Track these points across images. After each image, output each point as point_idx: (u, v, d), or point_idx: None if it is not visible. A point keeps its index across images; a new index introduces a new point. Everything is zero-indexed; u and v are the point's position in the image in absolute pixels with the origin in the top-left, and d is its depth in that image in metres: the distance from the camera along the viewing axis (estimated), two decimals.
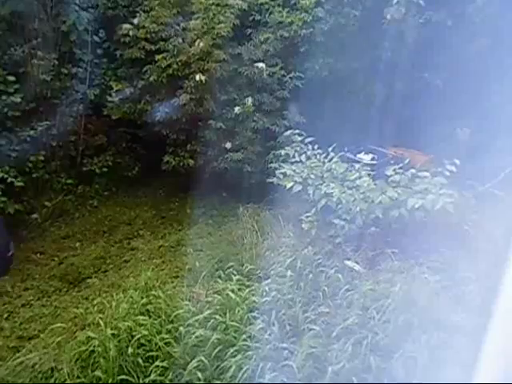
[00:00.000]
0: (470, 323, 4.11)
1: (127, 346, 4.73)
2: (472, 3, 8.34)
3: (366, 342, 4.43)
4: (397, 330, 4.50)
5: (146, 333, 4.82)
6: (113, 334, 4.85)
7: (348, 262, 5.81)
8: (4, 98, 8.59)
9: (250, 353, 4.47)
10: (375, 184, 6.32)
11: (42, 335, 5.79)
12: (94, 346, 4.72)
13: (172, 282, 6.56)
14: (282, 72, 9.38)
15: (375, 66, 9.21)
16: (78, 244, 8.46)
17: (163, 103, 9.65)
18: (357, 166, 6.71)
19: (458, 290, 4.96)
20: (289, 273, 5.63)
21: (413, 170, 6.23)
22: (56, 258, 8.01)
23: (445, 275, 5.21)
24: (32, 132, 8.86)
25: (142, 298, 5.44)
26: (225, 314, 5.03)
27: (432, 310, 4.64)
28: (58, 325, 5.56)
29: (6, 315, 6.46)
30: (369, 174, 6.53)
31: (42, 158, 9.19)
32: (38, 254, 8.09)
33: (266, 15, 9.72)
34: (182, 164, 9.51)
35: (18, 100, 8.67)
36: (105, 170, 10.03)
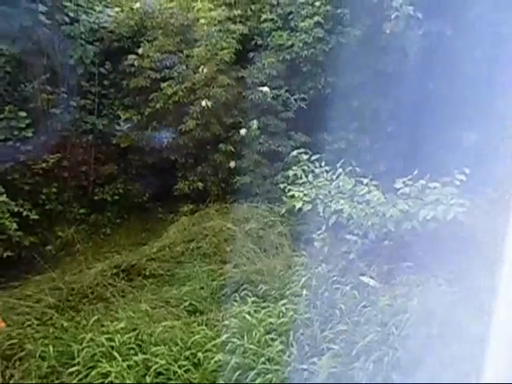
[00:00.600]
0: (491, 334, 4.04)
1: (144, 376, 4.72)
2: (470, 11, 8.42)
3: (386, 358, 4.37)
4: (418, 345, 4.43)
5: (163, 362, 4.81)
6: (128, 366, 4.85)
7: (363, 278, 5.77)
8: (16, 133, 8.81)
9: (269, 376, 4.43)
10: (385, 197, 6.32)
11: None
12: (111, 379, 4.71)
13: None
14: (287, 95, 9.51)
15: (378, 80, 9.29)
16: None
17: (170, 129, 9.85)
18: (365, 180, 6.71)
19: (477, 301, 4.88)
20: (304, 292, 5.60)
21: (422, 181, 6.21)
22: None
23: (462, 286, 5.15)
24: (44, 165, 9.04)
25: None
26: (242, 337, 5.00)
27: (451, 322, 4.57)
28: None
29: None
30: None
31: (54, 189, 9.36)
32: None
33: (268, 38, 9.90)
34: (191, 188, 9.63)
35: (30, 134, 8.89)
36: (116, 197, 10.13)
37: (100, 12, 10.32)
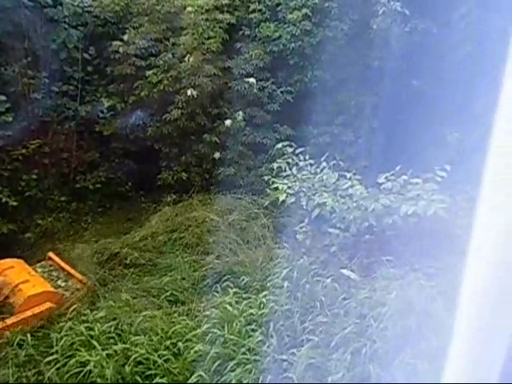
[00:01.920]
0: (467, 327, 4.13)
1: (124, 365, 4.71)
2: (456, 10, 8.51)
3: (364, 350, 4.44)
4: (395, 337, 4.51)
5: (143, 351, 4.81)
6: (108, 355, 4.83)
7: (344, 271, 5.83)
8: None
9: (249, 366, 4.47)
10: (368, 192, 6.38)
11: None
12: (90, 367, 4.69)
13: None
14: (273, 87, 9.49)
15: (364, 75, 9.33)
16: None
17: (154, 118, 9.75)
18: (348, 175, 6.77)
19: (454, 295, 4.99)
20: (285, 284, 5.64)
21: (405, 177, 6.29)
22: None
23: (440, 280, 5.25)
24: (24, 151, 8.85)
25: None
26: (223, 327, 5.02)
27: (429, 315, 4.66)
28: None
29: None
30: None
31: (34, 176, 9.18)
32: None
33: (255, 29, 9.84)
34: (175, 178, 9.58)
35: (10, 119, 8.68)
36: (98, 186, 10.00)
37: None
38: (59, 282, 6.70)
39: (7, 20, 8.86)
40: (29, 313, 5.73)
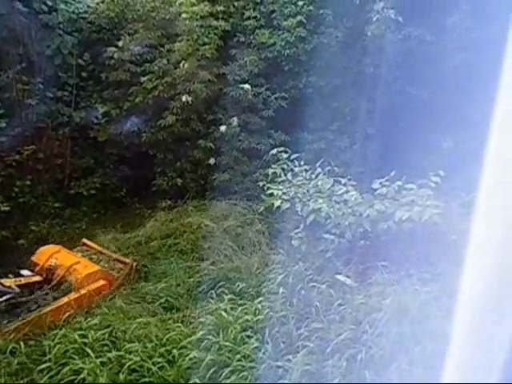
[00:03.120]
0: (462, 333, 4.14)
1: (118, 373, 4.67)
2: (449, 18, 8.59)
3: (360, 356, 4.43)
4: (390, 343, 4.51)
5: (137, 359, 4.76)
6: (102, 363, 4.79)
7: (339, 277, 5.83)
8: None
9: (244, 373, 4.44)
10: (362, 198, 6.39)
11: None
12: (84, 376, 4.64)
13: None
14: (268, 93, 9.54)
15: (359, 82, 9.39)
16: None
17: (149, 124, 9.75)
18: (343, 180, 6.78)
19: (449, 300, 5.00)
20: (281, 290, 5.62)
21: (399, 182, 6.31)
22: None
23: (435, 286, 5.25)
24: (18, 156, 8.81)
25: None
26: (218, 334, 4.99)
27: (424, 321, 4.66)
28: None
29: None
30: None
31: (28, 182, 9.14)
32: None
33: (250, 36, 9.89)
34: (170, 184, 9.57)
35: (3, 125, 8.65)
36: (92, 192, 9.97)
37: (79, 2, 10.12)
38: (102, 263, 7.26)
39: (2, 26, 8.85)
40: (87, 289, 6.36)
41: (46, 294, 6.25)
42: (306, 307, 5.37)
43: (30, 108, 9.25)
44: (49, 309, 5.87)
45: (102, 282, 6.62)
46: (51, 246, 7.42)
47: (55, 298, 6.17)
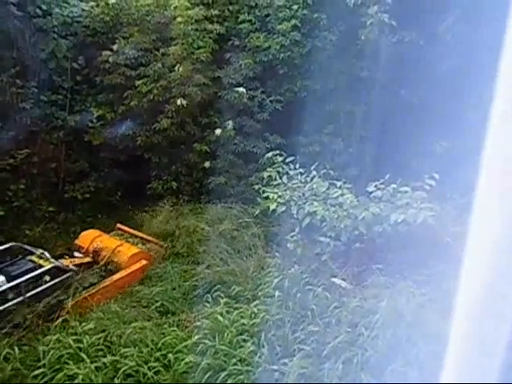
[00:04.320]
0: (458, 335, 4.15)
1: (113, 378, 4.64)
2: (442, 23, 8.66)
3: (356, 359, 4.44)
4: (386, 346, 4.52)
5: (132, 364, 4.74)
6: (97, 368, 4.76)
7: (335, 279, 5.84)
8: None
9: (241, 377, 4.43)
10: (358, 200, 6.41)
11: None
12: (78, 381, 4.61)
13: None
14: (263, 96, 9.56)
15: (353, 85, 9.43)
16: None
17: (144, 128, 9.73)
18: (338, 183, 6.80)
19: (444, 302, 5.02)
20: (277, 293, 5.62)
21: (394, 185, 6.34)
22: None
23: (430, 288, 5.28)
24: (12, 160, 8.76)
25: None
26: (214, 338, 4.98)
27: (420, 323, 4.68)
28: None
29: None
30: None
31: (22, 186, 9.08)
32: None
33: (245, 40, 9.92)
34: (165, 187, 9.56)
35: None
36: (87, 195, 9.93)
37: (74, 6, 10.09)
38: (140, 246, 7.85)
39: None
40: (132, 268, 7.12)
41: (96, 272, 6.99)
42: (301, 310, 5.38)
43: (24, 112, 9.20)
44: (107, 283, 6.77)
45: (144, 262, 7.35)
46: (92, 230, 8.12)
47: (104, 277, 6.93)
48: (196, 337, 5.08)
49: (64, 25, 9.77)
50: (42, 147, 9.56)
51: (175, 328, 5.59)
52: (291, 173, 7.23)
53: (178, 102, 9.13)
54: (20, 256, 6.88)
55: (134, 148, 9.76)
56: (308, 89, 9.45)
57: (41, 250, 6.95)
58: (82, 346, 5.14)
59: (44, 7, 9.47)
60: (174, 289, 6.79)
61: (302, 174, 7.19)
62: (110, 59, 9.58)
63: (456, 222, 6.38)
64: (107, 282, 6.81)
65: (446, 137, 8.84)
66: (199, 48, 9.44)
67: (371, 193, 6.40)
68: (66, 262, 7.02)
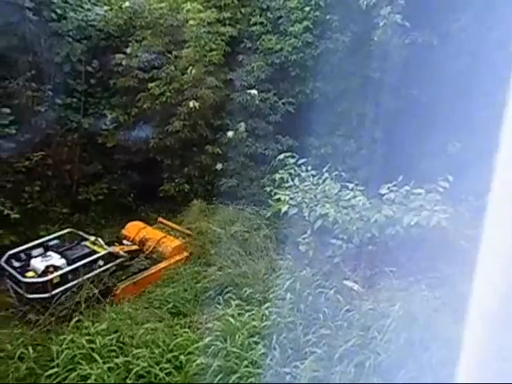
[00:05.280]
0: (472, 338, 4.09)
1: (125, 378, 4.67)
2: (455, 23, 8.56)
3: (368, 363, 4.40)
4: (399, 350, 4.47)
5: (144, 365, 4.76)
6: (109, 368, 4.79)
7: (347, 282, 5.80)
8: None
9: (252, 379, 4.42)
10: (370, 203, 6.36)
11: None
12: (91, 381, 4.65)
13: None
14: (275, 98, 9.56)
15: (365, 86, 9.38)
16: None
17: (157, 130, 9.79)
18: (350, 185, 6.76)
19: (458, 306, 4.94)
20: (288, 295, 5.60)
21: (407, 187, 6.28)
22: None
23: (444, 291, 5.21)
24: (27, 163, 8.89)
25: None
26: (225, 340, 4.98)
27: (433, 327, 4.62)
28: None
29: None
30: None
31: (37, 188, 9.22)
32: None
33: (257, 42, 9.94)
34: (177, 189, 9.61)
35: (13, 132, 8.74)
36: (100, 197, 10.03)
37: (88, 10, 10.21)
38: (180, 239, 8.22)
39: (12, 34, 8.96)
40: (176, 258, 7.61)
41: (142, 260, 7.52)
42: (313, 313, 5.35)
43: (39, 115, 9.34)
44: (153, 270, 7.33)
45: (185, 254, 7.84)
46: (137, 221, 8.70)
47: (150, 264, 7.47)
48: (207, 338, 5.08)
49: (78, 29, 9.89)
50: (57, 149, 9.69)
51: (187, 329, 5.60)
52: (303, 175, 7.21)
53: (191, 105, 9.18)
54: (75, 241, 7.66)
55: (147, 150, 9.83)
56: (320, 90, 9.43)
57: (94, 237, 7.67)
58: (94, 346, 5.18)
59: (59, 11, 9.59)
60: (186, 290, 6.80)
61: (313, 175, 7.16)
62: (124, 62, 9.67)
63: (470, 224, 6.28)
64: (153, 269, 7.37)
65: (459, 137, 8.73)
66: (211, 50, 9.48)
67: (384, 195, 6.35)
68: (116, 248, 7.61)
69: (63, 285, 6.57)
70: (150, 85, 9.55)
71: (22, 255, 7.22)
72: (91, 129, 10.03)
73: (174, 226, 8.66)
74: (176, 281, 7.15)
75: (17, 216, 8.44)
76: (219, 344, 4.93)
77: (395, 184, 6.41)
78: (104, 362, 4.92)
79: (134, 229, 8.35)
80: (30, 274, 6.72)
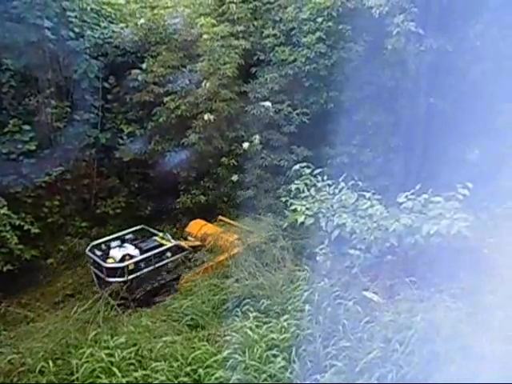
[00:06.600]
0: (498, 350, 3.97)
1: None
2: (472, 28, 8.48)
3: (390, 376, 4.29)
4: (422, 362, 4.35)
5: (163, 378, 4.74)
6: (128, 382, 4.78)
7: (366, 293, 5.69)
8: (20, 146, 8.88)
9: None
10: (388, 212, 6.28)
11: None
12: None
13: None
14: (289, 109, 9.59)
15: (380, 95, 9.35)
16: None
17: (173, 143, 9.89)
18: (367, 194, 6.69)
19: (483, 317, 4.81)
20: (306, 307, 5.53)
21: (425, 196, 6.18)
22: None
23: (467, 302, 5.07)
24: (47, 178, 9.07)
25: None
26: (244, 352, 4.92)
27: (457, 338, 4.49)
28: None
29: None
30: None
31: (57, 202, 9.38)
32: None
33: (270, 54, 10.01)
34: (193, 201, 9.66)
35: (33, 148, 8.95)
36: (118, 211, 10.16)
37: (105, 28, 10.48)
38: (236, 235, 8.52)
39: (32, 53, 9.24)
40: (234, 251, 7.84)
41: (204, 254, 8.08)
42: (332, 325, 5.25)
43: (58, 131, 9.56)
44: (216, 261, 7.77)
45: (241, 248, 7.99)
46: (199, 220, 9.18)
47: (210, 257, 7.95)
48: (226, 351, 5.02)
49: (95, 46, 10.15)
50: (75, 164, 9.87)
51: (205, 342, 5.56)
52: (319, 185, 7.17)
53: (206, 117, 9.26)
54: (147, 236, 8.62)
55: (163, 163, 9.92)
56: (334, 100, 9.41)
57: (162, 233, 8.65)
58: (113, 360, 5.17)
59: (77, 30, 9.86)
60: (204, 303, 6.76)
61: (330, 185, 7.11)
62: (139, 77, 9.86)
63: (492, 232, 6.15)
64: (214, 261, 7.87)
65: (478, 144, 8.61)
66: (225, 63, 9.58)
67: (402, 203, 6.25)
68: (182, 243, 8.44)
69: (137, 271, 7.63)
70: (166, 99, 9.69)
71: (103, 246, 8.27)
72: (108, 143, 10.21)
73: (232, 222, 9.12)
74: (194, 293, 7.12)
75: (37, 231, 8.59)
76: (238, 357, 4.88)
77: (413, 192, 6.32)
78: (123, 376, 4.90)
79: (196, 226, 8.96)
80: (110, 260, 7.74)
